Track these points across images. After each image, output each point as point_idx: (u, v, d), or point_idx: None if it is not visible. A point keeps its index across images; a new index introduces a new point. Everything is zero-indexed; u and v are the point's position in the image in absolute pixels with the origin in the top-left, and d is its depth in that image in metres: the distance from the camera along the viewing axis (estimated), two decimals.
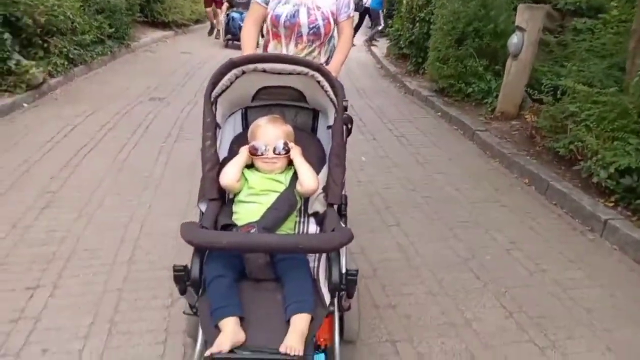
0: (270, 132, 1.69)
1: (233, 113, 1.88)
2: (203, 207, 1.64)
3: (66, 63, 5.69)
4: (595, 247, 2.94)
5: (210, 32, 10.80)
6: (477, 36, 5.50)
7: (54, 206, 2.95)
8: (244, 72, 1.67)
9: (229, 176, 1.63)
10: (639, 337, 2.16)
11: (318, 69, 1.66)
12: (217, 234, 1.41)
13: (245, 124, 1.88)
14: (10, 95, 4.62)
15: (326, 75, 1.67)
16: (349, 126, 1.79)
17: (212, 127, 1.67)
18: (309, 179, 1.63)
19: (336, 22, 2.36)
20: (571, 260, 2.75)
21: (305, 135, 1.86)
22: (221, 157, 1.74)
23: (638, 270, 2.71)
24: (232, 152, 1.78)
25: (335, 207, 1.66)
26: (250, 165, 1.72)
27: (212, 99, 1.67)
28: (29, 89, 4.82)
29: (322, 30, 2.29)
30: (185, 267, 1.37)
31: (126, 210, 2.95)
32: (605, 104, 3.52)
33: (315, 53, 2.35)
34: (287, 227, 1.62)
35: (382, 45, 10.33)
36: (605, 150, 3.24)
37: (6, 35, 4.63)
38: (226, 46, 9.71)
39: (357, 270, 1.40)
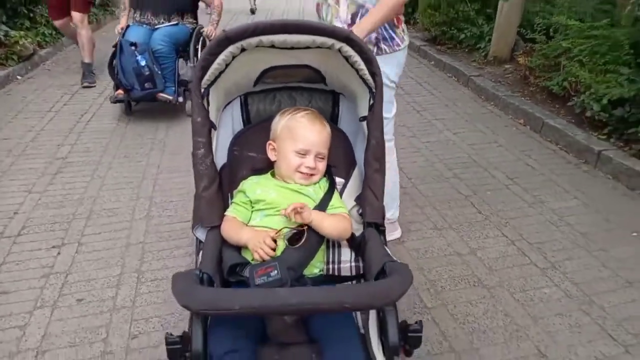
0: (316, 135, 1.33)
1: (229, 103, 1.49)
2: (201, 235, 1.32)
3: (54, 33, 5.60)
4: (590, 177, 3.07)
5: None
6: None
7: (66, 171, 3.02)
8: (243, 49, 1.23)
9: (230, 241, 1.29)
10: (630, 253, 2.32)
11: (347, 38, 1.23)
12: (223, 294, 1.01)
13: (247, 115, 1.50)
14: (2, 67, 4.58)
15: (359, 46, 1.24)
16: None
17: (205, 130, 1.28)
18: (341, 232, 1.31)
19: None
20: (567, 191, 2.89)
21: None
22: (219, 165, 1.40)
23: (631, 195, 2.86)
24: (233, 158, 1.44)
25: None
26: (262, 169, 1.40)
27: (202, 91, 1.27)
28: (20, 60, 4.78)
29: None
30: (183, 336, 1.05)
31: (136, 170, 3.03)
32: (597, 37, 3.57)
33: (332, 1, 1.89)
34: (318, 260, 1.30)
35: None
36: (597, 84, 3.32)
37: None
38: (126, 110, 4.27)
39: (421, 323, 1.10)
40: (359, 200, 1.37)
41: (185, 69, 3.89)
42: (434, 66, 5.62)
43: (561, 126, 3.54)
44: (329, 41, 1.22)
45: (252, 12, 8.31)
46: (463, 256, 2.29)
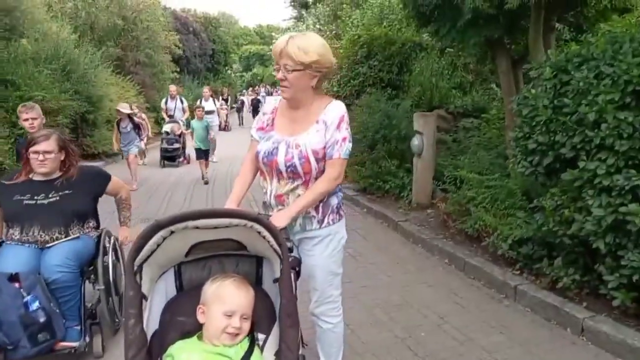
0: (242, 298, 1.53)
1: (164, 273, 1.67)
2: None
3: None
4: (511, 311, 3.34)
5: None
6: (385, 141, 6.31)
7: None
8: (172, 232, 1.49)
9: None
10: None
11: (256, 219, 1.53)
12: None
13: (180, 284, 1.69)
14: None
15: (266, 225, 1.55)
16: (297, 269, 1.70)
17: (136, 302, 1.45)
18: None
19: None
20: (493, 327, 3.11)
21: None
22: (150, 332, 1.53)
23: (548, 326, 3.12)
24: (164, 324, 1.58)
25: None
26: (191, 332, 1.54)
27: (134, 268, 1.47)
28: None
29: (300, 169, 1.99)
30: None
31: None
32: (495, 187, 4.20)
33: (300, 191, 2.03)
34: None
35: None
36: (502, 226, 3.82)
37: None
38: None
39: None
40: (277, 354, 1.53)
41: (93, 294, 2.87)
42: (366, 213, 6.13)
43: (480, 264, 3.92)
44: (242, 222, 1.52)
45: (206, 182, 8.29)
46: None
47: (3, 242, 2.65)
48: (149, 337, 1.52)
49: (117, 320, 2.94)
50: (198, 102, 10.45)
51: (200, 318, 1.55)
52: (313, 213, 2.08)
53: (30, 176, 2.76)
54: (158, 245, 1.50)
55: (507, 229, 3.75)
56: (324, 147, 1.99)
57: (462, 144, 6.35)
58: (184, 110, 10.87)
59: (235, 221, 1.52)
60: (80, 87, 9.47)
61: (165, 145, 10.10)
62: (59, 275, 2.48)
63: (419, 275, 4.00)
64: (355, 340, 2.94)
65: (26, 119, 4.01)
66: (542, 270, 3.47)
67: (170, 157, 10.15)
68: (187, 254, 1.66)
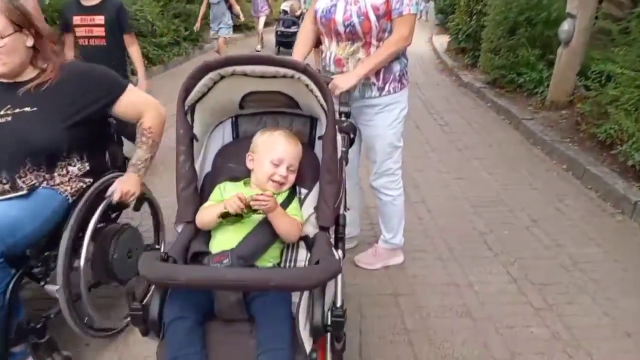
0: (290, 148, 1.55)
1: (222, 122, 1.72)
2: (179, 229, 1.52)
3: (146, 62, 6.44)
4: (622, 227, 2.95)
5: None
6: (529, 25, 5.46)
7: None
8: (222, 77, 1.50)
9: (204, 224, 1.51)
10: (639, 305, 2.23)
11: (305, 70, 1.47)
12: (175, 268, 1.23)
13: (236, 134, 1.75)
14: None
15: (314, 77, 1.47)
16: (351, 136, 1.67)
17: (186, 140, 1.53)
18: (290, 235, 1.50)
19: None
20: (591, 238, 2.81)
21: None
22: (204, 172, 1.62)
23: None
24: (216, 166, 1.67)
25: (331, 230, 1.52)
26: (238, 178, 1.61)
27: (185, 108, 1.53)
28: None
29: (359, 28, 1.92)
30: (144, 305, 1.27)
31: None
32: None
33: (360, 54, 2.00)
34: (272, 255, 1.48)
35: (443, 40, 10.31)
36: None
37: None
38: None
39: (344, 309, 1.26)
40: (316, 209, 1.58)
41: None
42: (490, 108, 5.64)
43: (602, 174, 3.43)
44: (290, 72, 1.47)
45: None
46: (459, 287, 2.35)
47: None
48: (201, 179, 1.66)
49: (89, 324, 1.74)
50: None
51: (249, 165, 1.63)
52: (373, 80, 2.00)
53: None
54: (208, 89, 1.52)
55: None
56: (386, 2, 1.89)
57: (631, 35, 5.19)
58: None
59: (282, 70, 1.46)
60: None
61: (281, 28, 8.78)
62: None
63: (526, 177, 3.68)
64: (431, 225, 2.93)
65: None
66: None
67: (286, 43, 8.58)
68: (241, 107, 1.72)
